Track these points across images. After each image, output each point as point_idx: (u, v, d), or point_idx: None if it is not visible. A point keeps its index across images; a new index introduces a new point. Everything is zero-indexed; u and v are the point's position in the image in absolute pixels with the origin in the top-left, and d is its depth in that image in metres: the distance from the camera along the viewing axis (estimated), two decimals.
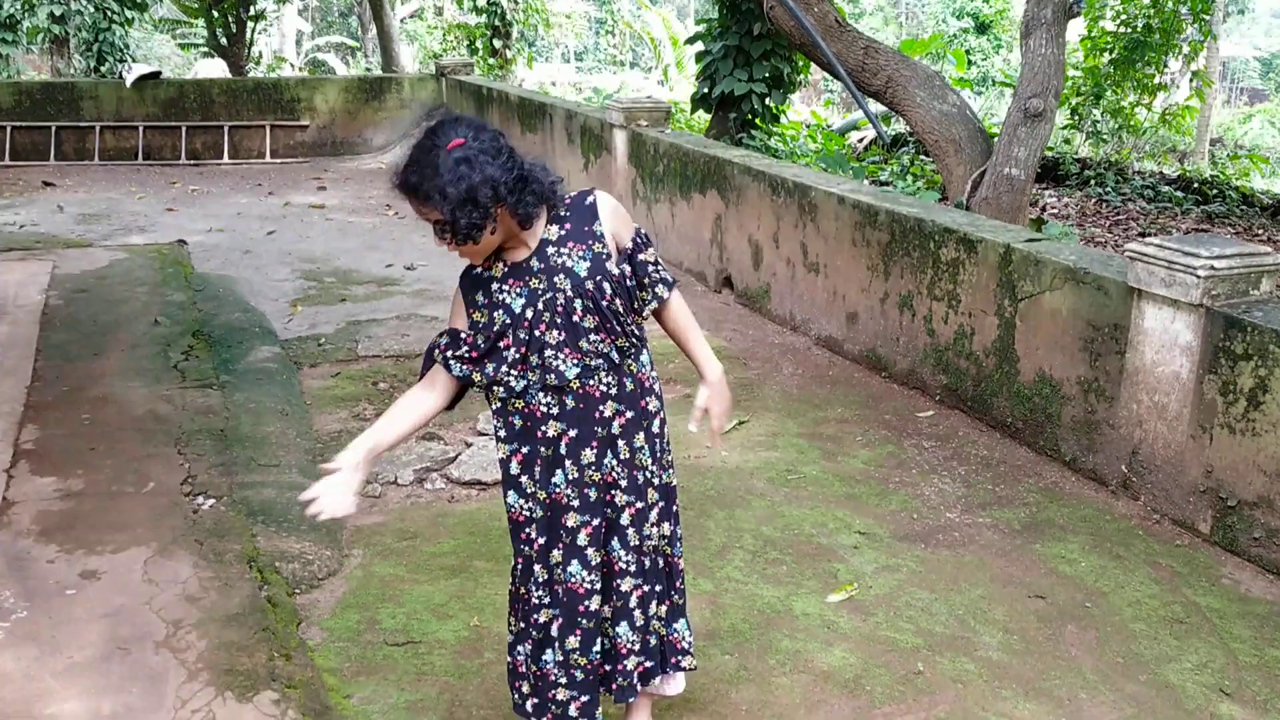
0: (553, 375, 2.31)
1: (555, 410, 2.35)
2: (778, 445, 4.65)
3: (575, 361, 2.32)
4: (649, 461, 2.47)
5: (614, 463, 2.41)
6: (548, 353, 2.31)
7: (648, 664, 2.55)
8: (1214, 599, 3.50)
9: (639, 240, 2.41)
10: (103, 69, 15.91)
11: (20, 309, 6.05)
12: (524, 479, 2.41)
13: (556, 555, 2.41)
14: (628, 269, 2.37)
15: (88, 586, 3.32)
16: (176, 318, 5.99)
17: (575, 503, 2.39)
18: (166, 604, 3.24)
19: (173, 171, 12.07)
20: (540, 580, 2.44)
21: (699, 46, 11.80)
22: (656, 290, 2.42)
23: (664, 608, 2.57)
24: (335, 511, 2.27)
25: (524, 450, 2.40)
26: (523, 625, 2.49)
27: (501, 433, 2.42)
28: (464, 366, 2.36)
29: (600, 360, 2.34)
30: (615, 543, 2.45)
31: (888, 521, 3.99)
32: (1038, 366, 4.54)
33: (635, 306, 2.39)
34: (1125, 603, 3.47)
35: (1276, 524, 3.61)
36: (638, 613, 2.49)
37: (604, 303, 2.32)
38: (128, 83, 12.50)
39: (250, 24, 17.16)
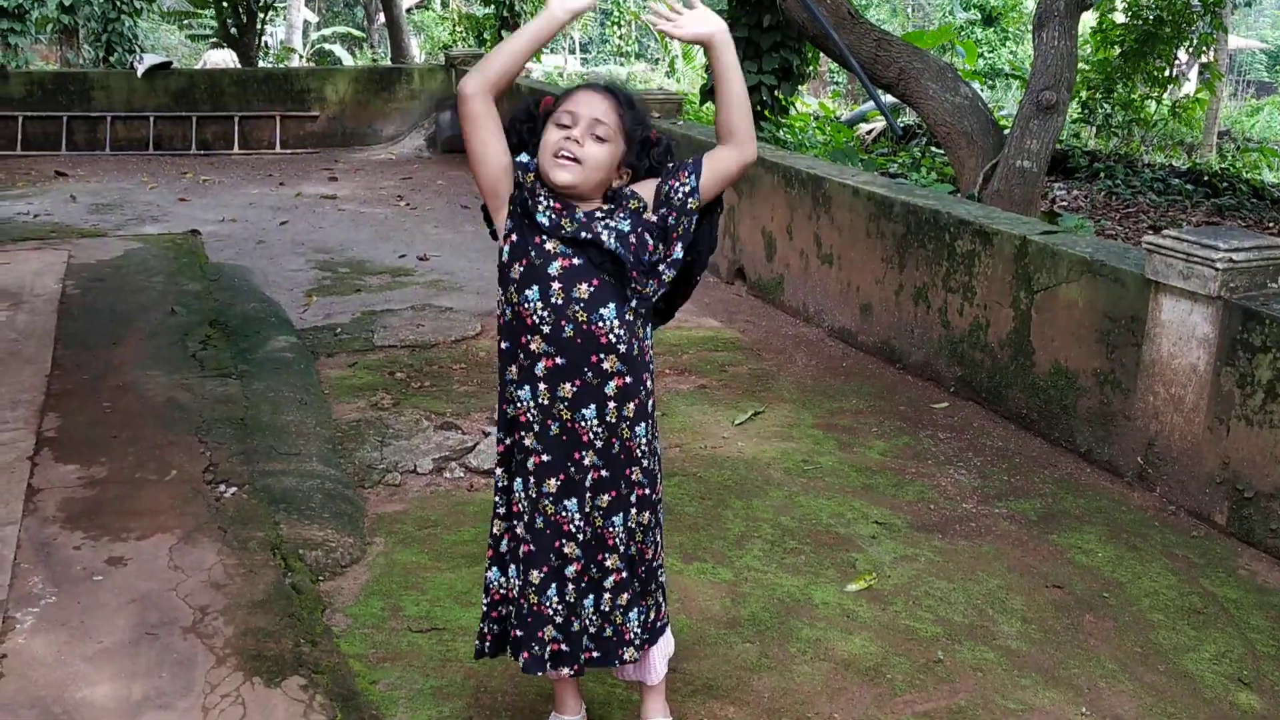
0: (558, 297, 2.29)
1: (547, 329, 2.30)
2: (793, 436, 4.68)
3: (583, 301, 2.30)
4: (639, 440, 2.41)
5: (595, 421, 2.35)
6: (554, 285, 2.29)
7: (564, 646, 2.43)
8: (1231, 589, 3.52)
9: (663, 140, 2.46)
10: (112, 59, 15.94)
11: (38, 298, 6.08)
12: (510, 377, 2.40)
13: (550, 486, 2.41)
14: (662, 212, 2.36)
15: (114, 573, 3.35)
16: (193, 307, 6.01)
17: (535, 428, 2.36)
18: (192, 590, 3.27)
19: (184, 161, 12.09)
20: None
21: None
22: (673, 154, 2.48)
23: (625, 596, 2.47)
24: None
25: (516, 352, 2.38)
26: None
27: (503, 328, 2.42)
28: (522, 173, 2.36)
29: (614, 305, 2.31)
30: (571, 503, 2.38)
31: (905, 512, 4.02)
32: (1053, 358, 4.56)
33: (670, 250, 2.36)
34: (1142, 593, 3.49)
35: None
36: (570, 585, 2.41)
37: (646, 253, 2.32)
38: (139, 73, 12.52)
39: (259, 14, 17.17)
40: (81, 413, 4.53)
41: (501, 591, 2.53)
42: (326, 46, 29.12)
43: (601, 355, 2.32)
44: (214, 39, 20.13)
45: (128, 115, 12.46)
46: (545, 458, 2.37)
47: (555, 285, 2.29)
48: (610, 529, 2.43)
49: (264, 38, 19.42)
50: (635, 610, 2.49)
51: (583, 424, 2.35)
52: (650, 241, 2.34)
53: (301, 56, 24.77)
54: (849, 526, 3.89)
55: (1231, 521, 3.84)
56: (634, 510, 2.45)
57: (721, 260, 7.24)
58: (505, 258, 2.37)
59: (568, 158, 2.28)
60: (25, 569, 3.34)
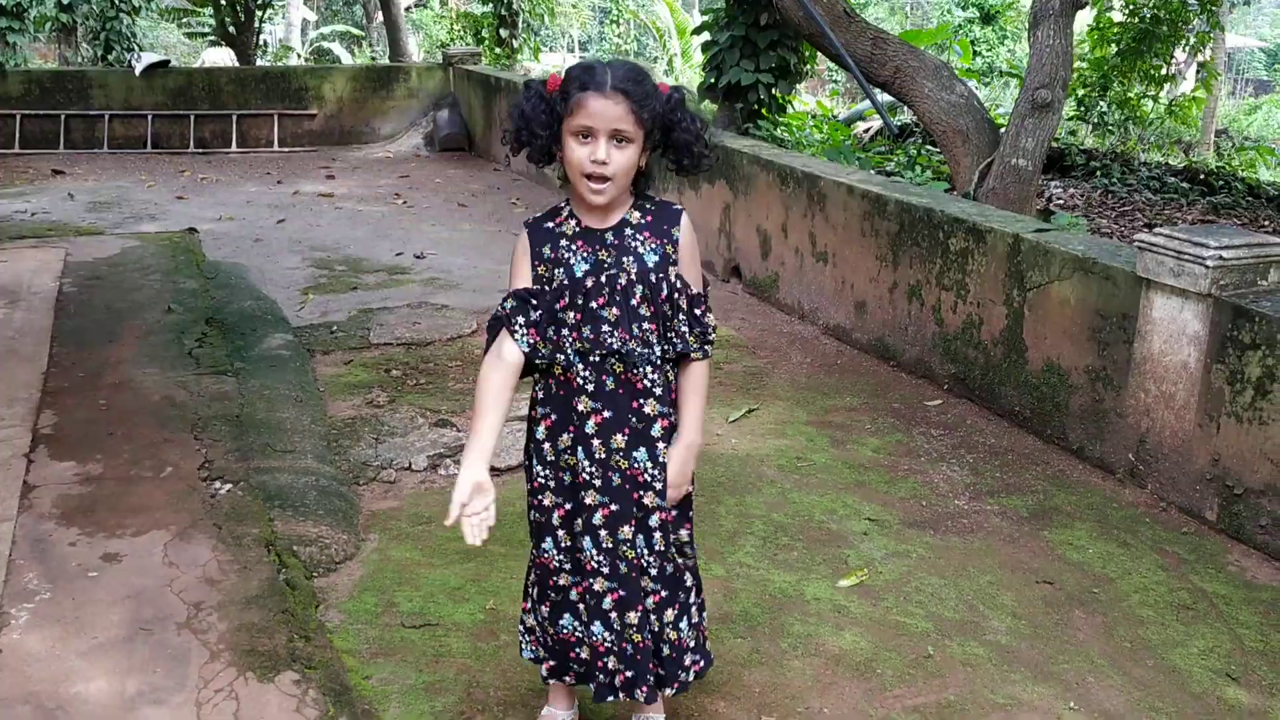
0: (601, 349, 2.33)
1: (591, 387, 2.36)
2: (787, 433, 4.69)
3: (623, 340, 2.33)
4: (647, 463, 2.44)
5: (648, 461, 2.41)
6: (604, 328, 2.32)
7: (628, 673, 2.48)
8: (1220, 585, 3.54)
9: (704, 300, 2.44)
10: (110, 57, 15.93)
11: (35, 296, 6.09)
12: (546, 446, 2.43)
13: (578, 525, 2.44)
14: (680, 286, 2.38)
15: (109, 569, 3.37)
16: (189, 305, 6.03)
17: (597, 482, 2.40)
18: (187, 586, 3.29)
19: (182, 160, 12.10)
20: (563, 546, 2.47)
21: (705, 36, 11.80)
22: (707, 347, 2.45)
23: (670, 611, 2.53)
24: (481, 537, 2.32)
25: (553, 417, 2.41)
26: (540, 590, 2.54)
27: (540, 394, 2.43)
28: (530, 336, 2.34)
29: (648, 350, 2.35)
30: (640, 540, 2.45)
31: (897, 508, 4.03)
32: (1046, 356, 4.58)
33: (682, 319, 2.39)
34: (1132, 589, 3.51)
35: None
36: (614, 615, 2.46)
37: (661, 297, 2.34)
38: (137, 72, 12.53)
39: (258, 13, 17.18)
40: (78, 410, 4.55)
41: (578, 635, 2.53)
42: (325, 45, 29.14)
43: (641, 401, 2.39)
44: (212, 37, 20.15)
45: (126, 113, 12.47)
46: (612, 508, 2.43)
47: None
48: (635, 551, 2.46)
49: (262, 36, 19.42)
50: (684, 620, 2.57)
51: (638, 467, 2.42)
52: (666, 290, 2.36)
53: (299, 55, 24.78)
54: (841, 523, 3.91)
55: (1221, 518, 3.86)
56: (658, 534, 2.47)
57: (717, 258, 7.25)
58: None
59: (603, 177, 2.27)
60: (20, 565, 3.36)
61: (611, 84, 2.24)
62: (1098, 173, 10.76)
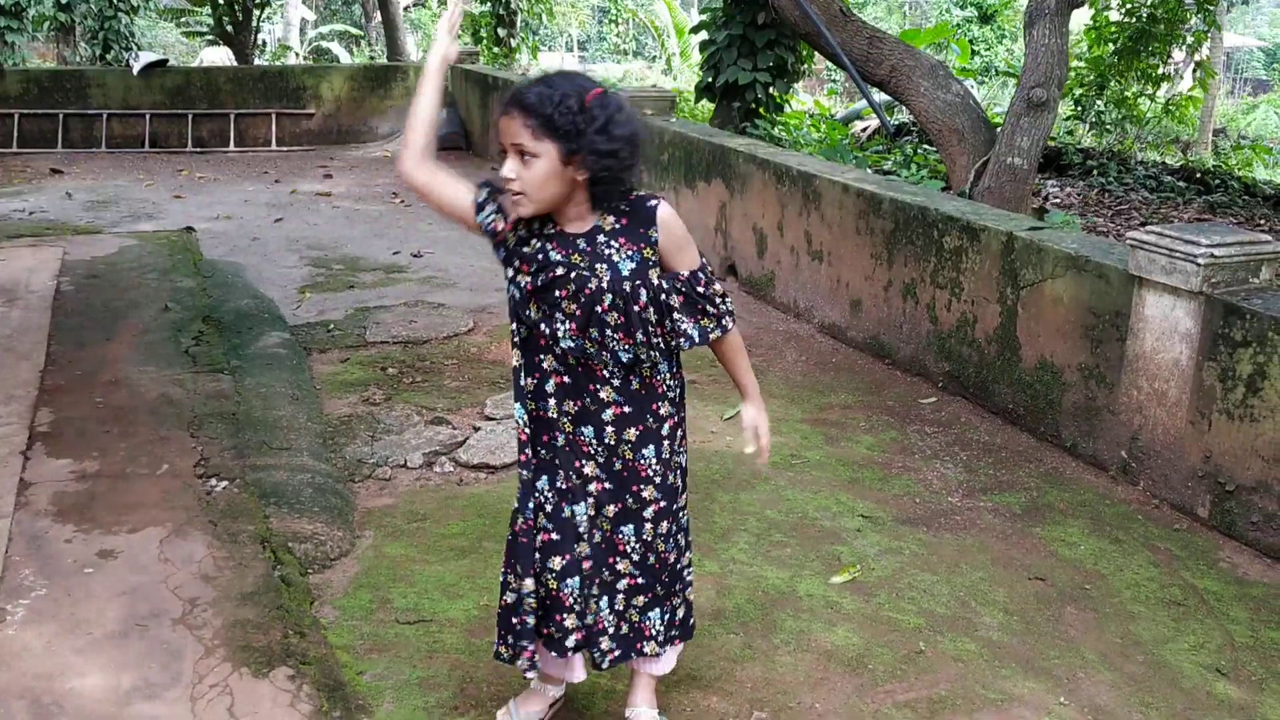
0: (559, 346, 2.36)
1: (558, 350, 2.38)
2: (781, 431, 4.71)
3: (574, 338, 2.35)
4: (645, 462, 2.48)
5: (592, 437, 2.43)
6: (558, 317, 2.33)
7: (582, 635, 2.53)
8: (1212, 582, 3.56)
9: (700, 274, 2.41)
10: (108, 57, 15.94)
11: (32, 294, 6.11)
12: (530, 399, 2.45)
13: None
14: (665, 286, 2.36)
15: (105, 565, 3.38)
16: (186, 304, 6.04)
17: (600, 459, 2.46)
18: (182, 583, 3.30)
19: (180, 159, 12.11)
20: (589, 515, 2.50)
21: (703, 36, 11.81)
22: (724, 323, 2.45)
23: (641, 599, 2.57)
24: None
25: (533, 380, 2.45)
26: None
27: (519, 361, 2.46)
28: (493, 219, 2.38)
29: (606, 354, 2.37)
30: (579, 507, 2.46)
31: (890, 505, 4.05)
32: (1039, 353, 4.60)
33: (664, 326, 2.37)
34: (1124, 585, 3.53)
35: (1274, 508, 3.67)
36: (585, 580, 2.49)
37: (636, 307, 2.32)
38: (135, 71, 12.54)
39: (256, 12, 17.18)
40: (74, 408, 4.56)
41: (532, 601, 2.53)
42: (324, 44, 29.13)
43: (598, 386, 2.41)
44: (210, 37, 20.14)
45: (124, 113, 12.49)
46: (556, 461, 2.47)
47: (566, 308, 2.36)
48: (620, 536, 2.51)
49: (261, 35, 19.43)
50: (657, 610, 2.60)
51: (582, 437, 2.45)
52: (644, 298, 2.33)
53: (298, 54, 24.78)
54: (835, 520, 3.92)
55: (1213, 514, 3.88)
56: (649, 524, 2.51)
57: (713, 257, 7.27)
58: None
59: (514, 194, 2.27)
60: (16, 561, 3.37)
61: (510, 100, 2.25)
62: (1094, 172, 10.78)
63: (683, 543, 2.66)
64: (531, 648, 2.52)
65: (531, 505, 2.47)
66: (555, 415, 2.43)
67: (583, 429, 2.44)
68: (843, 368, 5.54)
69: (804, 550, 3.70)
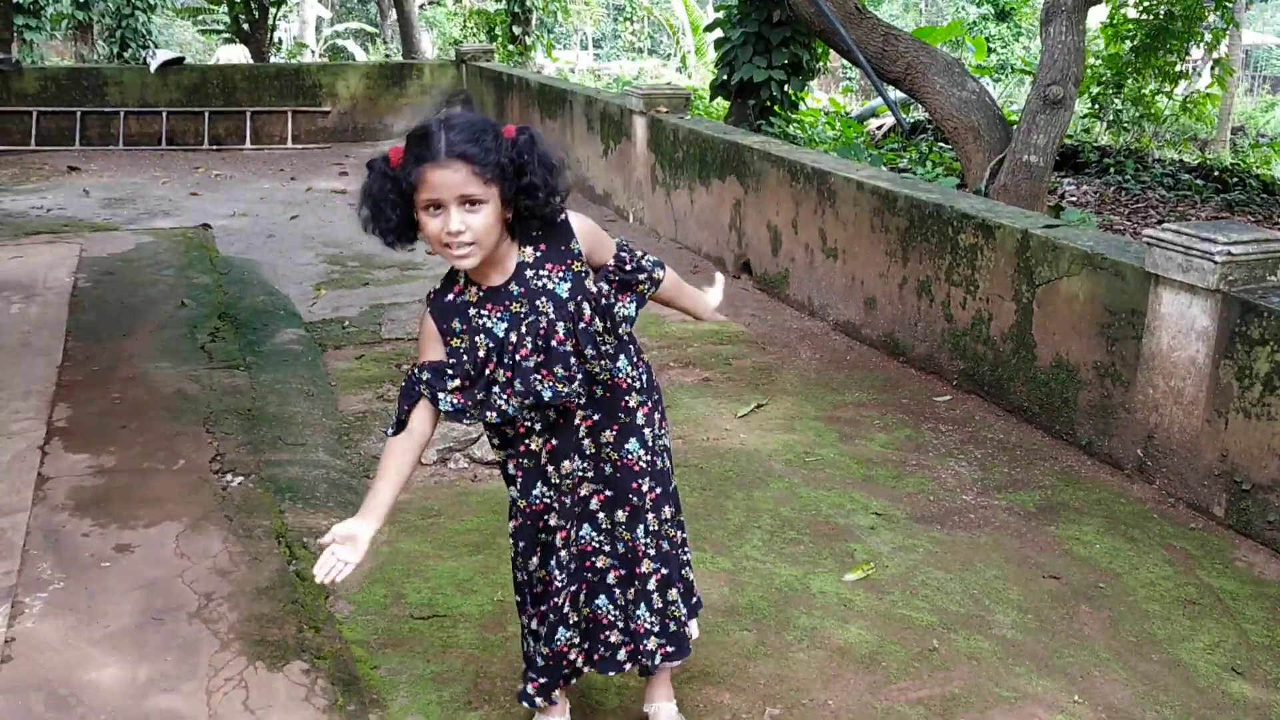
0: (532, 398, 2.29)
1: (538, 425, 2.37)
2: (795, 428, 4.71)
3: (550, 384, 2.29)
4: (633, 456, 2.48)
5: (581, 463, 2.45)
6: (532, 378, 2.27)
7: (669, 648, 2.60)
8: (1227, 581, 3.54)
9: (624, 254, 2.41)
10: (126, 55, 16.04)
11: (50, 291, 6.15)
12: (550, 468, 2.44)
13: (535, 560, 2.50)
14: (604, 287, 2.35)
15: (122, 559, 3.41)
16: (202, 300, 6.08)
17: (555, 506, 2.45)
18: (198, 577, 3.33)
19: (196, 156, 12.17)
20: (565, 565, 2.51)
21: (718, 33, 11.83)
22: (654, 276, 2.45)
23: (673, 591, 2.59)
24: (328, 578, 2.28)
25: (554, 442, 2.42)
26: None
27: (496, 442, 2.46)
28: (454, 399, 2.30)
29: (575, 381, 2.33)
30: (586, 529, 2.50)
31: (904, 503, 4.04)
32: (1054, 351, 4.58)
33: (609, 325, 2.36)
34: (1139, 584, 3.51)
35: None
36: (617, 591, 2.54)
37: (582, 324, 2.30)
38: (152, 69, 12.61)
39: (272, 10, 17.25)
40: (91, 403, 4.59)
41: (574, 643, 2.57)
42: (339, 42, 29.24)
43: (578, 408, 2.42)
44: (226, 35, 20.22)
45: (140, 110, 12.56)
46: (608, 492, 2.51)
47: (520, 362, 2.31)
48: (637, 541, 2.52)
49: (277, 34, 19.50)
50: (678, 594, 2.62)
51: (578, 473, 2.46)
52: (588, 311, 2.32)
53: (313, 52, 24.86)
54: (848, 517, 3.92)
55: (1229, 514, 3.86)
56: (651, 514, 2.53)
57: (727, 254, 7.27)
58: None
59: (463, 244, 2.15)
60: (34, 555, 3.40)
61: (446, 152, 2.11)
62: (1111, 169, 10.73)
63: (680, 519, 2.68)
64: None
65: (538, 560, 2.51)
66: (544, 463, 2.43)
67: (563, 462, 2.43)
68: (857, 365, 5.53)
69: (817, 547, 3.70)
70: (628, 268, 2.41)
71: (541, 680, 2.56)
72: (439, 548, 3.66)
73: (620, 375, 2.44)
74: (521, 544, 2.50)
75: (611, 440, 2.46)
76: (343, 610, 3.28)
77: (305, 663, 2.93)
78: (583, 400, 2.39)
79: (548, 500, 2.45)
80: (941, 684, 2.98)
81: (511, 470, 2.47)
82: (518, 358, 2.27)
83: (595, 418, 2.44)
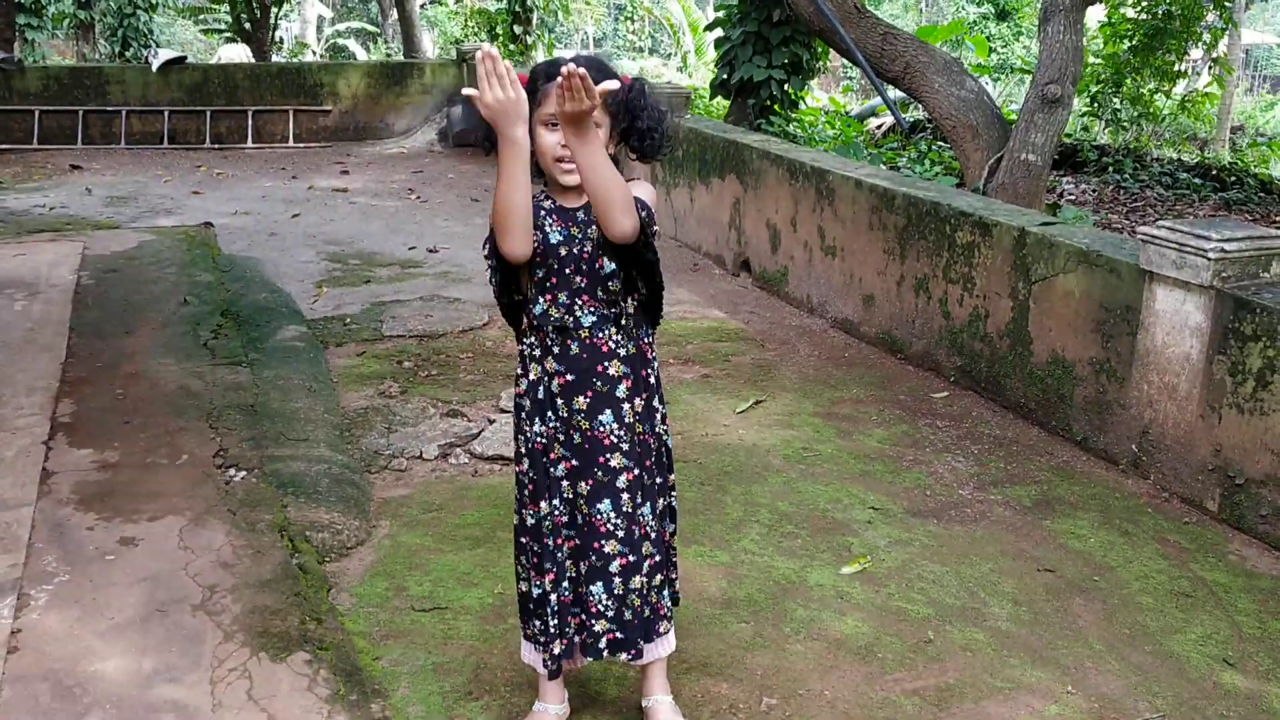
0: (570, 318, 2.43)
1: (556, 349, 2.46)
2: (794, 424, 4.74)
3: (593, 310, 2.44)
4: (649, 434, 2.56)
5: (614, 424, 2.49)
6: (571, 295, 2.43)
7: (617, 634, 2.56)
8: (1220, 574, 3.58)
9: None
10: (128, 54, 16.07)
11: (53, 288, 6.19)
12: (560, 401, 2.49)
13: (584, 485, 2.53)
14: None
15: (126, 553, 3.44)
16: (205, 297, 6.11)
17: (560, 437, 2.50)
18: (202, 570, 3.36)
19: (198, 155, 12.21)
20: (567, 499, 2.55)
21: (718, 33, 11.86)
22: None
23: (658, 577, 2.61)
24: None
25: (569, 376, 2.48)
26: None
27: (520, 360, 2.56)
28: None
29: (614, 311, 2.45)
30: (606, 504, 2.50)
31: (901, 498, 4.08)
32: (1050, 348, 4.62)
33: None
34: (1133, 577, 3.55)
35: None
36: (617, 580, 2.53)
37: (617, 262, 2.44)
38: (154, 68, 12.64)
39: (273, 9, 17.28)
40: (95, 399, 4.63)
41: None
42: (341, 41, 29.27)
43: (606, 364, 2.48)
44: (228, 34, 20.25)
45: (143, 109, 12.60)
46: (574, 463, 2.52)
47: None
48: (642, 519, 2.54)
49: (278, 33, 19.53)
50: (666, 589, 2.66)
51: (602, 430, 2.49)
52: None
53: (314, 51, 24.89)
54: (846, 512, 3.96)
55: (1223, 508, 3.89)
56: (625, 494, 2.53)
57: (727, 253, 7.30)
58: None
59: (571, 161, 2.36)
60: (40, 549, 3.43)
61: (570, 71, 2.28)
62: (1110, 169, 10.76)
63: (671, 523, 2.73)
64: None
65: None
66: (555, 393, 2.49)
67: (575, 398, 2.49)
68: (855, 362, 5.57)
69: (815, 541, 3.74)
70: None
71: (556, 639, 2.56)
72: (440, 541, 3.70)
73: (646, 340, 2.54)
74: (528, 487, 2.54)
75: (644, 412, 2.52)
76: (345, 603, 3.32)
77: (308, 654, 2.97)
78: (622, 353, 2.47)
79: (553, 432, 2.49)
80: (937, 675, 3.01)
81: (524, 401, 2.53)
82: (567, 271, 2.42)
83: (633, 380, 2.50)
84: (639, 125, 2.44)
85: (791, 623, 3.25)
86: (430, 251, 7.73)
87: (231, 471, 4.01)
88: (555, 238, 2.44)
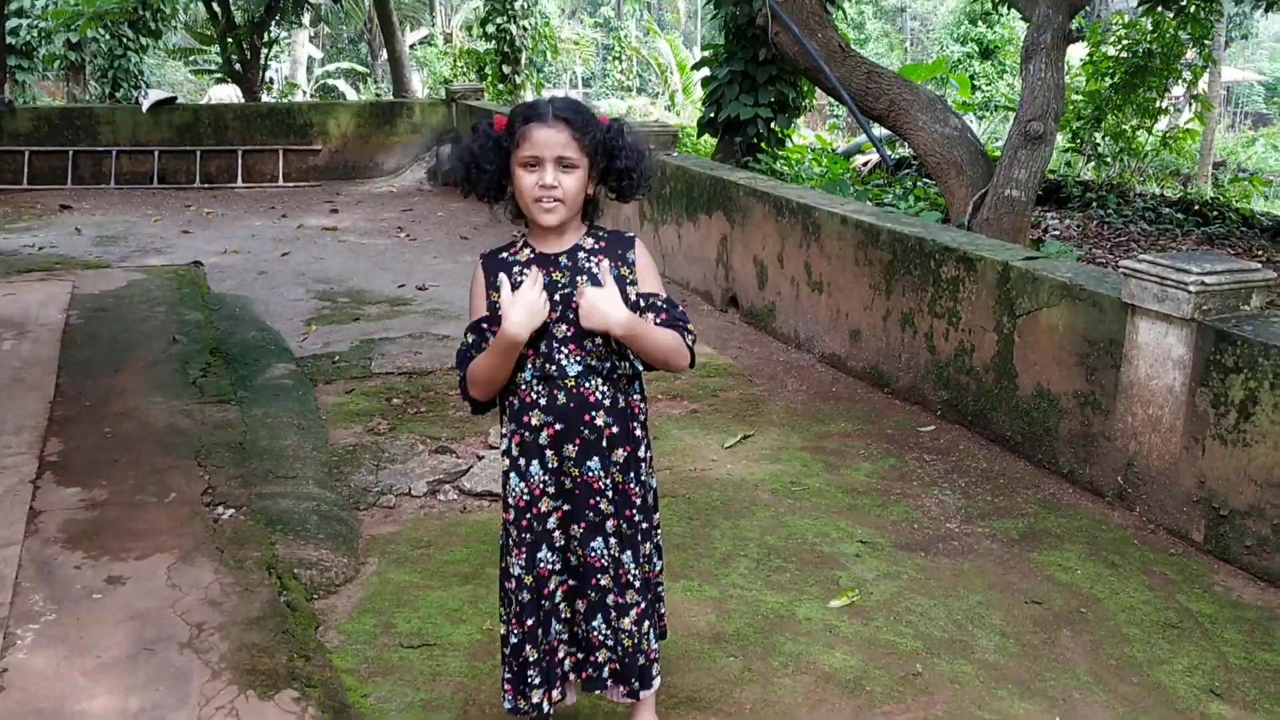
0: (554, 367, 2.44)
1: (543, 401, 2.46)
2: (781, 459, 4.76)
3: (579, 359, 2.44)
4: (631, 484, 2.55)
5: (600, 470, 2.49)
6: (554, 344, 2.43)
7: (619, 665, 2.59)
8: (1206, 605, 3.59)
9: (670, 301, 2.53)
10: (118, 95, 16.15)
11: (42, 328, 6.19)
12: (550, 452, 2.49)
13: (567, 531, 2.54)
14: (644, 303, 2.49)
15: (113, 591, 3.43)
16: (194, 336, 6.12)
17: (550, 489, 2.50)
18: (189, 608, 3.35)
19: (188, 195, 12.25)
20: (558, 547, 2.55)
21: (705, 72, 11.97)
22: (689, 330, 2.54)
23: (646, 623, 2.62)
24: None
25: (558, 426, 2.48)
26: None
27: (505, 414, 2.55)
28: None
29: (601, 365, 2.45)
30: (599, 541, 2.52)
31: (889, 531, 4.09)
32: (1036, 381, 4.65)
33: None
34: (1119, 608, 3.56)
35: (1267, 532, 3.71)
36: (614, 613, 2.56)
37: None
38: (144, 108, 12.71)
39: (263, 50, 17.41)
40: (83, 438, 4.62)
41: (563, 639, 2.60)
42: (331, 82, 29.46)
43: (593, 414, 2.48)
44: (218, 74, 20.37)
45: (133, 149, 12.65)
46: (566, 508, 2.53)
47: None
48: (622, 567, 2.56)
49: (269, 73, 19.66)
50: (653, 631, 2.66)
51: (591, 474, 2.49)
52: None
53: (304, 91, 25.04)
54: (834, 545, 3.97)
55: (1208, 539, 3.92)
56: (642, 543, 2.58)
57: (715, 289, 7.35)
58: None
59: (553, 200, 2.39)
60: (26, 588, 3.42)
61: (553, 114, 2.37)
62: (1094, 204, 10.87)
63: (658, 565, 2.72)
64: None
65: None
66: (543, 444, 2.49)
67: (565, 446, 2.49)
68: (843, 397, 5.60)
69: (803, 575, 3.74)
70: (675, 311, 2.51)
71: (537, 681, 2.56)
72: (428, 578, 3.70)
73: (634, 398, 2.55)
74: (514, 535, 2.54)
75: (628, 464, 2.53)
76: (333, 640, 3.31)
77: (296, 691, 2.96)
78: (608, 404, 2.47)
79: (543, 485, 2.49)
80: (925, 707, 3.02)
81: (515, 451, 2.51)
82: (547, 322, 2.42)
83: (616, 430, 2.50)
84: (617, 165, 2.47)
85: (780, 656, 3.25)
86: (419, 289, 7.76)
87: (220, 509, 4.01)
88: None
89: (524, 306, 2.36)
